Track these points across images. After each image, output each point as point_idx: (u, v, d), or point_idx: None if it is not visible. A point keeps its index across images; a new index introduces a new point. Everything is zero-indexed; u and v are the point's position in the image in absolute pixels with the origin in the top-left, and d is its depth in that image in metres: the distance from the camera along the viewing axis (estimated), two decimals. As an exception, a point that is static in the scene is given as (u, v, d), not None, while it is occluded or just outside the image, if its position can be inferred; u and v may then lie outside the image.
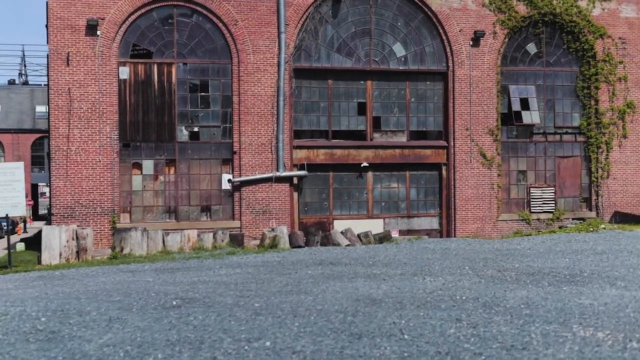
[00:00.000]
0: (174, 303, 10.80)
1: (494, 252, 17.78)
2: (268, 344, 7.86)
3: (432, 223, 29.91)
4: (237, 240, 24.02)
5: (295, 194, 28.40)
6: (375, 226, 29.27)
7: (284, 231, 23.64)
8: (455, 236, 29.33)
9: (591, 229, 26.16)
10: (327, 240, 23.48)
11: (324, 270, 15.00)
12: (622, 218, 30.45)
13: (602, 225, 27.09)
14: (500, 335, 7.94)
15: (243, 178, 27.54)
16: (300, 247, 23.09)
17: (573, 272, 13.62)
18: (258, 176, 27.60)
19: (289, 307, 10.18)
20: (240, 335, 8.33)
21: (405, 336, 7.99)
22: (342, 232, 24.08)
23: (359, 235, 23.99)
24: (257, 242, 24.59)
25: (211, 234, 23.64)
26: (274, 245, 22.58)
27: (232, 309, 10.16)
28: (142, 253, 22.69)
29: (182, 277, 14.62)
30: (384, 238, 23.03)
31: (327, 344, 7.74)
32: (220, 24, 27.52)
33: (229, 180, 27.60)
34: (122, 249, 22.49)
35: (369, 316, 9.30)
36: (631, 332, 8.06)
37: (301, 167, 28.32)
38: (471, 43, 29.57)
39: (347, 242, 23.25)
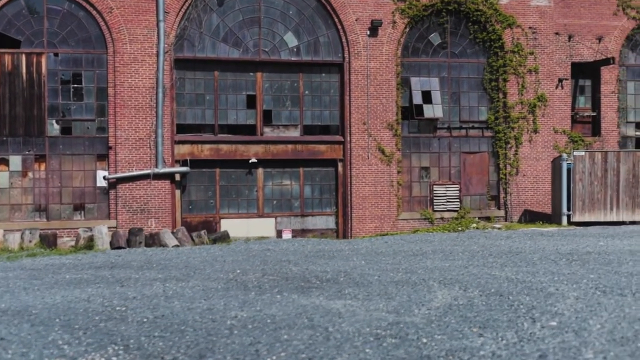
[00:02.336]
0: None
1: (300, 254, 16.19)
2: None
3: (327, 222, 28.43)
4: (47, 241, 22.42)
5: (178, 192, 26.90)
6: (267, 225, 27.84)
7: (102, 231, 22.11)
8: (351, 236, 27.85)
9: (460, 228, 24.64)
10: (154, 241, 21.95)
11: (80, 275, 13.55)
12: (532, 217, 28.97)
13: (474, 225, 25.56)
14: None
15: (119, 175, 26.04)
16: (120, 248, 21.54)
17: (332, 278, 12.11)
18: (135, 173, 26.10)
19: None
20: None
21: None
22: (173, 232, 22.55)
23: (191, 235, 22.47)
24: (74, 242, 22.96)
25: (19, 234, 22.06)
26: (89, 246, 21.04)
27: None
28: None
29: None
30: (219, 238, 21.50)
31: None
32: (94, 12, 26.02)
33: (104, 177, 26.09)
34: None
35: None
36: None
37: (184, 163, 26.81)
38: (368, 33, 28.06)
39: (176, 243, 21.71)
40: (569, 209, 25.73)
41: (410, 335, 7.46)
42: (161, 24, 26.19)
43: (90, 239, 21.13)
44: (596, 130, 30.79)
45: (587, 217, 25.53)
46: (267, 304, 9.69)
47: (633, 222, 26.09)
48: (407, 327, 7.94)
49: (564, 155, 26.30)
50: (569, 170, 25.84)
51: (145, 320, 8.57)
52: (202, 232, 22.53)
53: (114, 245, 21.79)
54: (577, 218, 25.54)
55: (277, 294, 10.76)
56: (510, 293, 10.17)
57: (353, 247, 17.38)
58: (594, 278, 11.49)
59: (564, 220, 25.77)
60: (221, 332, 7.75)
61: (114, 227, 25.76)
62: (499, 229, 24.92)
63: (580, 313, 8.50)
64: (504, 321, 8.13)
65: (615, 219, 25.55)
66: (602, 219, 25.51)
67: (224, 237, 21.63)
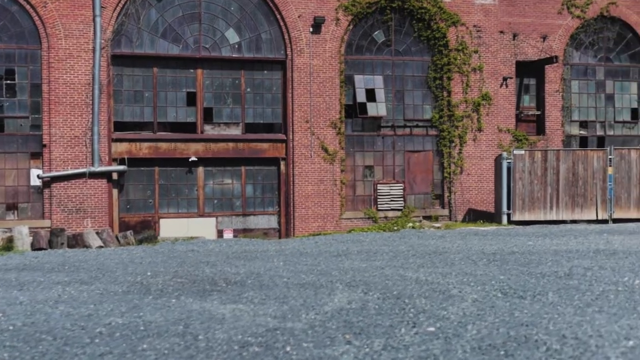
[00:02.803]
0: None
1: (222, 255, 15.76)
2: None
3: (270, 222, 28.05)
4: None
5: (115, 191, 26.36)
6: (207, 225, 27.40)
7: (22, 232, 21.55)
8: (294, 236, 27.49)
9: (395, 228, 24.43)
10: (77, 242, 21.43)
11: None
12: (476, 216, 28.83)
13: (410, 224, 25.37)
14: None
15: (53, 173, 25.43)
16: (41, 249, 20.99)
17: (240, 280, 11.76)
18: (70, 171, 25.51)
19: None
20: None
21: None
22: (97, 232, 22.05)
23: (117, 236, 21.99)
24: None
25: None
26: (8, 247, 20.48)
27: None
28: None
29: None
30: (146, 239, 21.06)
31: None
32: (27, 6, 25.37)
33: (38, 176, 25.46)
34: None
35: None
36: None
37: (121, 162, 26.26)
38: (311, 30, 27.72)
39: (100, 244, 21.22)
40: (509, 208, 25.63)
41: (278, 344, 7.13)
42: (97, 19, 25.63)
43: (10, 240, 20.56)
44: (541, 129, 30.77)
45: (527, 216, 25.43)
46: (154, 309, 9.32)
47: (574, 221, 26.05)
48: (282, 334, 7.61)
49: (504, 154, 26.20)
50: (509, 169, 25.73)
51: (10, 328, 8.16)
52: (129, 232, 22.04)
53: (35, 247, 21.21)
54: (517, 217, 25.44)
55: (174, 298, 10.39)
56: (410, 296, 9.89)
57: (280, 248, 17.03)
58: (504, 279, 11.26)
59: (504, 219, 25.67)
60: (81, 342, 7.37)
61: (48, 228, 25.14)
62: (437, 228, 24.74)
63: (466, 317, 8.23)
64: (384, 326, 7.83)
65: (555, 218, 25.50)
66: (542, 218, 25.44)
67: (151, 238, 21.18)
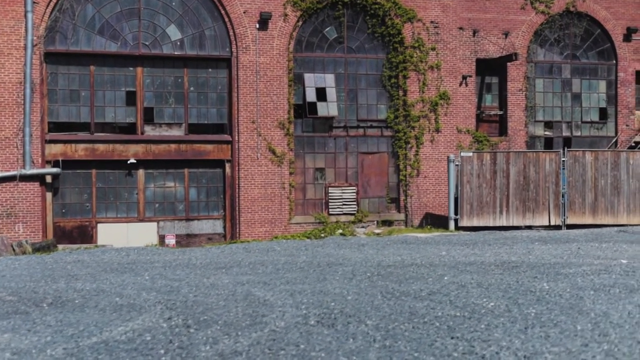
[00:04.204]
0: None
1: (97, 268, 14.46)
2: None
3: (215, 226, 26.87)
4: None
5: (49, 195, 25.22)
6: (148, 230, 26.26)
7: None
8: (239, 241, 26.27)
9: (322, 235, 23.17)
10: None
11: None
12: (433, 220, 27.55)
13: (339, 230, 24.09)
14: None
15: (-18, 176, 24.30)
16: None
17: (68, 299, 10.54)
18: (0, 174, 24.38)
19: None
20: None
21: None
22: None
23: (12, 245, 20.80)
24: None
25: None
26: None
27: None
28: None
29: None
30: (43, 247, 19.85)
31: None
32: (-46, 2, 24.24)
33: (-33, 179, 24.36)
34: None
35: None
36: None
37: (55, 164, 25.13)
38: (258, 26, 26.52)
39: None
40: (456, 213, 24.32)
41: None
42: (29, 15, 24.51)
43: None
44: (503, 130, 29.45)
45: (475, 222, 24.13)
46: None
47: (529, 227, 24.72)
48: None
49: (452, 156, 24.92)
50: (457, 172, 24.43)
51: None
52: (25, 240, 20.86)
53: None
54: (465, 222, 24.14)
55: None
56: (188, 316, 8.63)
57: (175, 258, 15.74)
58: (339, 300, 9.95)
59: (452, 225, 24.38)
60: None
61: (-23, 232, 24.05)
62: (377, 234, 23.44)
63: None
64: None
65: (505, 224, 24.18)
66: (491, 224, 24.13)
67: (49, 246, 19.97)
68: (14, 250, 20.40)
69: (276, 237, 24.61)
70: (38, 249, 19.41)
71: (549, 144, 29.64)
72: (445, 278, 11.50)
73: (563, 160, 24.44)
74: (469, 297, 9.65)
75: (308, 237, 22.95)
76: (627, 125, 30.22)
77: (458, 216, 24.21)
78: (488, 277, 11.54)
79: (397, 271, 12.58)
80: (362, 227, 26.38)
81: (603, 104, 30.34)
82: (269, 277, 12.14)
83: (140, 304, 9.74)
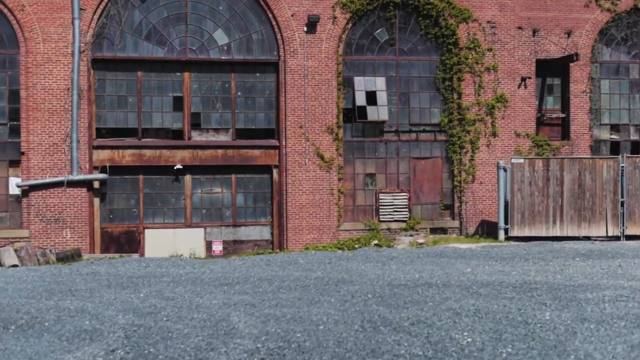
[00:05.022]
0: None
1: (106, 282, 14.02)
2: None
3: (262, 233, 26.49)
4: None
5: (97, 200, 25.34)
6: (195, 236, 26.11)
7: None
8: (287, 247, 25.87)
9: (357, 246, 22.30)
10: None
11: None
12: (489, 228, 26.42)
13: (375, 241, 23.17)
14: None
15: (31, 182, 24.62)
16: None
17: (40, 319, 10.16)
18: (48, 180, 24.65)
19: None
20: None
21: None
22: (16, 250, 20.82)
23: (37, 254, 20.71)
24: None
25: None
26: None
27: None
28: None
29: None
30: (69, 257, 19.66)
31: None
32: (5, 10, 24.65)
33: (17, 184, 24.71)
34: None
35: None
36: None
37: (103, 170, 25.24)
38: (306, 29, 25.99)
39: (15, 262, 19.98)
40: (506, 222, 23.15)
41: None
42: (76, 22, 24.67)
43: None
44: (566, 134, 28.02)
45: (527, 232, 22.92)
46: None
47: (587, 238, 23.35)
48: None
49: (501, 162, 23.76)
50: (508, 179, 23.27)
51: None
52: (49, 250, 20.79)
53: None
54: (515, 232, 22.96)
55: None
56: (134, 350, 8.07)
57: (192, 271, 15.23)
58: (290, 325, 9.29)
59: (501, 235, 23.23)
60: None
61: (26, 238, 24.34)
62: (420, 244, 22.51)
63: None
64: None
65: (559, 234, 22.88)
66: (544, 234, 22.88)
67: (73, 256, 19.86)
68: (38, 260, 20.44)
69: (307, 248, 23.97)
70: (62, 258, 19.35)
71: (615, 148, 28.04)
72: (447, 303, 10.67)
73: (622, 167, 22.96)
74: (452, 330, 8.82)
75: (340, 248, 22.25)
76: (701, 128, 28.32)
77: (508, 225, 23.05)
78: (493, 302, 10.64)
79: (403, 292, 11.80)
80: (411, 235, 25.51)
81: (675, 106, 28.52)
82: (263, 297, 11.55)
83: (104, 329, 9.28)
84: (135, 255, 21.61)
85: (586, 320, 9.33)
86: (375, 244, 22.88)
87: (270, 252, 22.56)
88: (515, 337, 8.38)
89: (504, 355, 7.62)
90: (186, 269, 15.56)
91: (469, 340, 8.24)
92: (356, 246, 22.42)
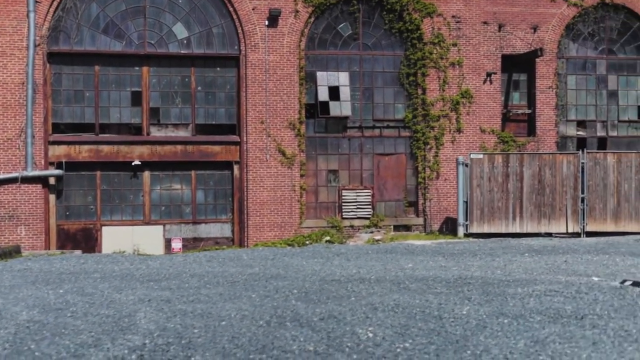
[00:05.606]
0: None
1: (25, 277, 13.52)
2: None
3: (223, 230, 26.06)
4: None
5: (53, 197, 24.84)
6: (154, 233, 25.66)
7: None
8: (247, 245, 25.43)
9: (307, 242, 21.90)
10: None
11: None
12: (453, 225, 26.00)
13: (327, 237, 22.77)
14: None
15: (-16, 178, 24.10)
16: None
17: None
18: (1, 176, 24.16)
19: None
20: None
21: None
22: None
23: None
24: None
25: None
26: None
27: None
28: None
29: None
30: (7, 254, 19.05)
31: None
32: (-42, 2, 24.09)
33: (-31, 181, 24.19)
34: None
35: None
36: None
37: (59, 166, 24.73)
38: (267, 23, 25.59)
39: None
40: (466, 219, 22.78)
41: None
42: (32, 15, 24.18)
43: None
44: (532, 130, 27.69)
45: (486, 228, 22.56)
46: None
47: (549, 234, 23.01)
48: None
49: (460, 158, 23.40)
50: (467, 174, 22.91)
51: None
52: None
53: None
54: (474, 229, 22.60)
55: None
56: None
57: (128, 267, 14.74)
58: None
59: (460, 231, 22.85)
60: None
61: (-20, 235, 23.84)
62: (377, 241, 22.12)
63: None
64: None
65: (518, 230, 22.53)
66: (503, 230, 22.51)
67: (11, 252, 19.33)
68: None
69: (256, 245, 23.57)
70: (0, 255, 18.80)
71: (582, 144, 27.72)
72: (370, 298, 10.28)
73: (582, 163, 22.62)
74: (359, 325, 8.42)
75: (290, 245, 21.83)
76: (669, 125, 28.06)
77: (467, 222, 22.69)
78: (418, 297, 10.26)
79: (331, 288, 11.40)
80: (372, 232, 25.12)
81: (642, 102, 28.24)
82: (184, 293, 11.13)
83: (-2, 325, 8.86)
84: (78, 252, 21.10)
85: (503, 315, 8.96)
86: (327, 241, 22.48)
87: (224, 249, 22.12)
88: (420, 332, 8.00)
89: (399, 350, 7.22)
90: (124, 265, 15.13)
91: (370, 335, 7.84)
92: (307, 242, 22.01)
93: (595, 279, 12.03)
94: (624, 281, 11.56)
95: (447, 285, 11.41)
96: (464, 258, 15.67)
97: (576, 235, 22.56)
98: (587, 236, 22.31)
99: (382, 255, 16.30)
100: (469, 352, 7.11)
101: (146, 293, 11.03)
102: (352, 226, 26.24)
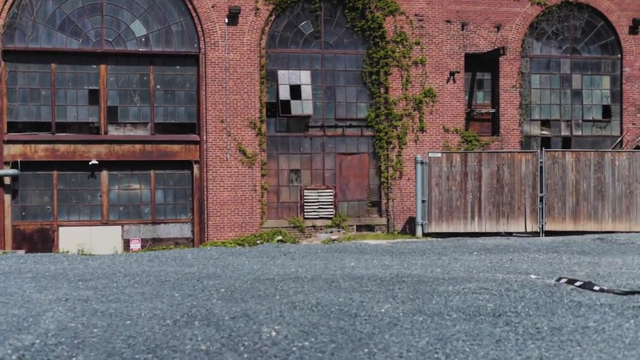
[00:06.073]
0: None
1: None
2: None
3: (183, 230, 25.71)
4: None
5: (8, 197, 24.42)
6: (113, 234, 25.27)
7: None
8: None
9: (258, 241, 21.62)
10: None
11: None
12: (416, 225, 25.72)
13: (279, 237, 22.50)
14: None
15: (-63, 177, 23.66)
16: None
17: None
18: (-46, 175, 23.69)
19: None
20: None
21: None
22: None
23: None
24: None
25: None
26: None
27: None
28: None
29: None
30: None
31: None
32: None
33: None
34: None
35: None
36: None
37: (14, 165, 24.31)
38: (227, 21, 25.28)
39: None
40: (424, 218, 22.54)
41: None
42: (-15, 12, 23.73)
43: None
44: (496, 129, 27.51)
45: (444, 228, 22.34)
46: None
47: (509, 234, 22.81)
48: None
49: (419, 157, 23.17)
50: (426, 173, 22.68)
51: None
52: None
53: None
54: (432, 228, 22.37)
55: None
56: None
57: (66, 267, 14.37)
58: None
59: (419, 231, 22.61)
60: None
61: None
62: (333, 240, 21.84)
63: None
64: None
65: (477, 230, 22.32)
66: (462, 230, 22.30)
67: None
68: None
69: (206, 244, 23.26)
70: None
71: (546, 144, 27.56)
72: (294, 297, 9.99)
73: (541, 162, 22.42)
74: (267, 324, 8.12)
75: (241, 244, 21.52)
76: (633, 124, 27.95)
77: (426, 221, 22.45)
78: (342, 296, 9.96)
79: (260, 286, 11.10)
80: (332, 231, 24.86)
81: (606, 101, 28.14)
82: (107, 292, 10.79)
83: None
84: (21, 252, 20.71)
85: (420, 312, 8.69)
86: (279, 240, 22.19)
87: (177, 248, 21.78)
88: (326, 331, 7.71)
89: (294, 349, 6.93)
90: (62, 265, 14.76)
91: (273, 334, 7.55)
92: (258, 242, 21.70)
93: (533, 276, 11.81)
94: (560, 279, 11.33)
95: (380, 283, 11.14)
96: (410, 257, 15.41)
97: (535, 234, 22.37)
98: (546, 235, 22.12)
99: (329, 254, 16.02)
100: (366, 350, 6.84)
101: (67, 293, 10.70)
102: (314, 226, 25.96)
